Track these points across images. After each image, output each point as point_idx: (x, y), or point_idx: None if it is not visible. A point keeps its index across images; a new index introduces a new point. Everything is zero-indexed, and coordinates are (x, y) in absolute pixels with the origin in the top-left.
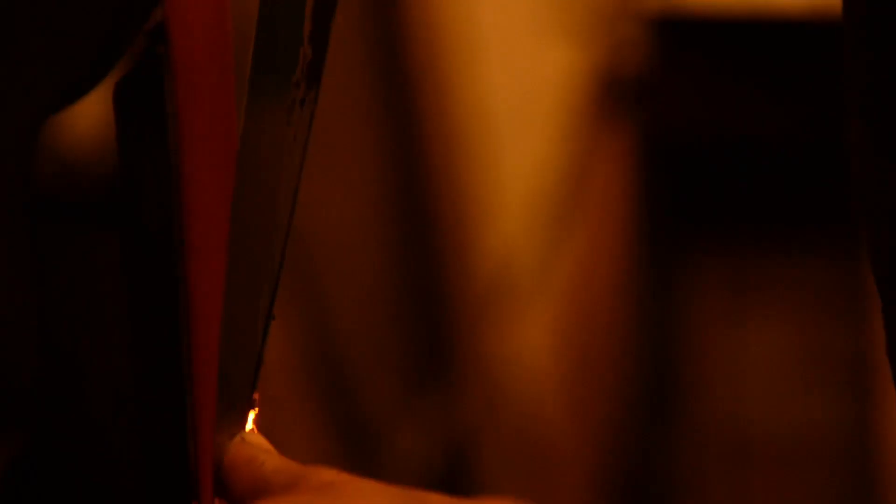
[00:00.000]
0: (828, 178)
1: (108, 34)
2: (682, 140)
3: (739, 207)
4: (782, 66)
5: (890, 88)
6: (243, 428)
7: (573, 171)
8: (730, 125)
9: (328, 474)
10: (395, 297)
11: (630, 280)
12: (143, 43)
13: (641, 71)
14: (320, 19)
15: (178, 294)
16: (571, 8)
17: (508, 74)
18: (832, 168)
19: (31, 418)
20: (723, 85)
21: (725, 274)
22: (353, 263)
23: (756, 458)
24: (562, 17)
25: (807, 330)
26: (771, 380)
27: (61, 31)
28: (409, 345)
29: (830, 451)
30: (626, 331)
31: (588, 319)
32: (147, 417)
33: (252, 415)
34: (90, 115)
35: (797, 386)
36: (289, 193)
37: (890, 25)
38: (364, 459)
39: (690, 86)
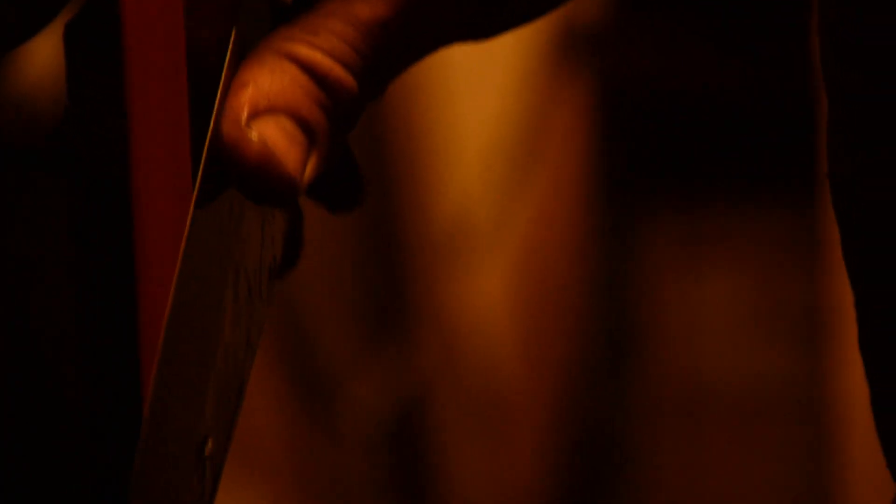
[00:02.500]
0: (785, 132)
1: None
2: (639, 92)
3: (696, 160)
4: (742, 19)
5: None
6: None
7: (530, 122)
8: (688, 77)
9: None
10: (351, 247)
11: (587, 233)
12: None
13: (600, 22)
14: (234, 369)
15: (128, 238)
16: None
17: None
18: (790, 122)
19: None
20: (682, 37)
21: (682, 227)
22: (308, 213)
23: (711, 410)
24: None
25: (763, 283)
26: (727, 333)
27: None
28: (364, 295)
29: (786, 405)
30: (582, 283)
31: (544, 271)
32: (96, 362)
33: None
34: (39, 57)
35: (753, 339)
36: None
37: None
38: (319, 409)
39: (649, 38)
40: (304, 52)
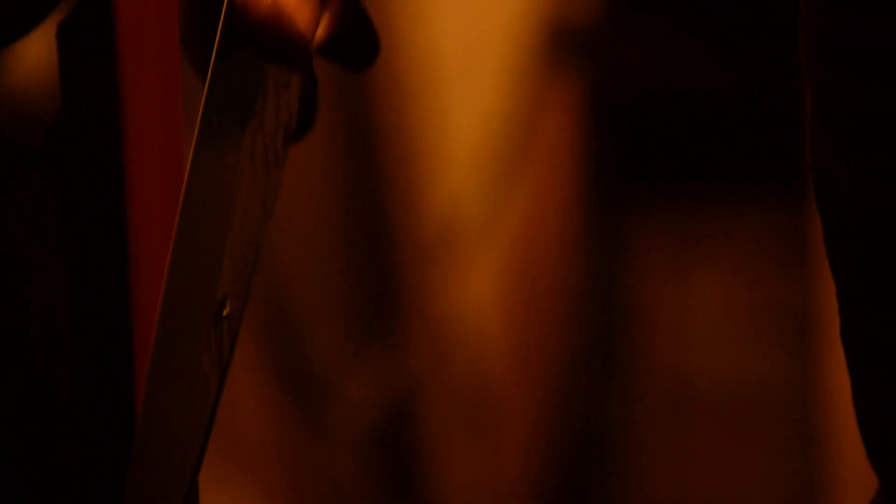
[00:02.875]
0: (776, 133)
1: None
2: (630, 92)
3: (686, 160)
4: (733, 20)
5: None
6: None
7: (521, 121)
8: (679, 77)
9: None
10: (342, 246)
11: (576, 231)
12: None
13: (591, 21)
14: (252, 233)
15: (121, 237)
16: None
17: (457, 23)
18: (781, 123)
19: None
20: (672, 37)
21: (671, 226)
22: (299, 212)
23: (701, 409)
24: None
25: (752, 283)
26: (716, 333)
27: None
28: (354, 293)
29: (775, 404)
30: (572, 282)
31: (534, 270)
32: (87, 360)
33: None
34: (32, 56)
35: (743, 339)
36: (204, 414)
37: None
38: (309, 408)
39: (640, 37)
40: None
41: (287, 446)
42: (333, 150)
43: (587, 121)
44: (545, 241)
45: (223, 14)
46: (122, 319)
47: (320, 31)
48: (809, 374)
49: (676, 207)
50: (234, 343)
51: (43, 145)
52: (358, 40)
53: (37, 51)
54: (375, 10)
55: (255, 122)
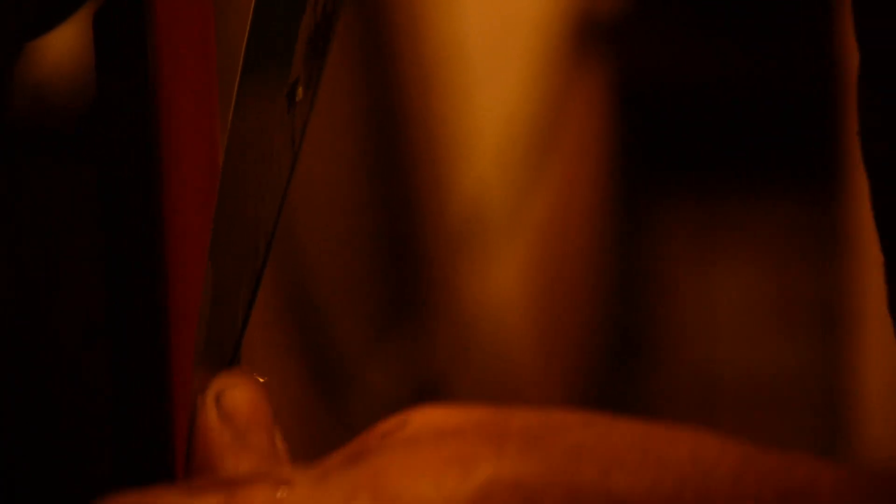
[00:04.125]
0: (801, 123)
1: None
2: (655, 82)
3: (712, 152)
4: (756, 11)
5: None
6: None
7: (547, 112)
8: (704, 69)
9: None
10: (368, 237)
11: (602, 222)
12: None
13: (617, 12)
14: (323, 19)
15: (155, 227)
16: None
17: (484, 14)
18: (806, 113)
19: (2, 347)
20: (697, 29)
21: (697, 216)
22: (325, 202)
23: (726, 399)
24: None
25: (778, 272)
26: (741, 322)
27: None
28: (380, 284)
29: (800, 394)
30: (597, 274)
31: (559, 261)
32: (124, 348)
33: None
34: (67, 44)
35: (768, 328)
36: (278, 191)
37: None
38: (335, 399)
39: (664, 29)
40: None
41: (311, 436)
42: (360, 141)
43: (612, 111)
44: (570, 232)
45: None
46: (157, 307)
47: None
48: (834, 363)
49: (701, 198)
50: (305, 130)
51: (78, 134)
52: None
53: (72, 39)
54: (404, 4)
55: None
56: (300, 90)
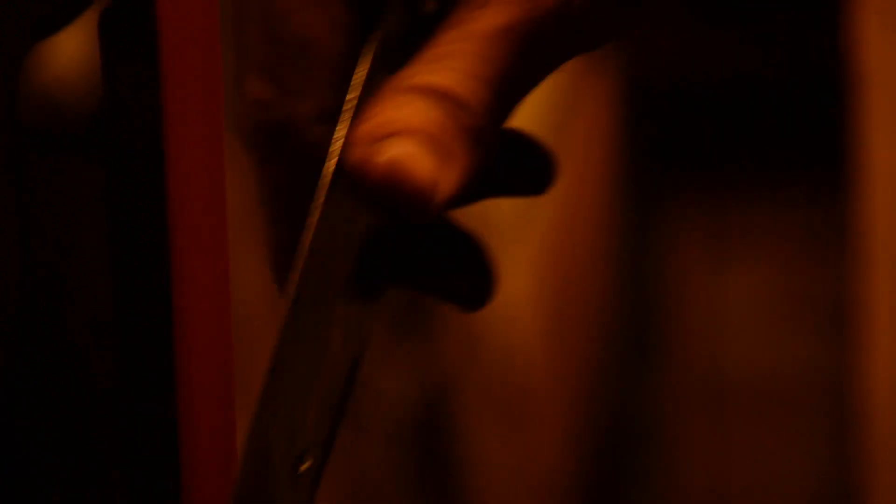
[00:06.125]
0: (812, 123)
1: None
2: (665, 82)
3: (722, 151)
4: (768, 9)
5: None
6: None
7: (555, 114)
8: (713, 68)
9: None
10: None
11: (611, 224)
12: None
13: None
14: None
15: (162, 227)
16: None
17: None
18: (816, 113)
19: (10, 348)
20: (706, 27)
21: (707, 217)
22: None
23: (736, 401)
24: None
25: (788, 273)
26: (751, 324)
27: None
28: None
29: (810, 396)
30: (606, 274)
31: (569, 263)
32: (131, 350)
33: None
34: (75, 44)
35: (778, 330)
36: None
37: None
38: None
39: (674, 27)
40: (426, 79)
41: None
42: None
43: (622, 112)
44: (580, 234)
45: (332, 173)
46: (165, 307)
47: (445, 185)
48: (845, 364)
49: (711, 198)
50: (313, 499)
51: (85, 134)
52: (521, 173)
53: (79, 40)
54: None
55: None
56: (307, 459)
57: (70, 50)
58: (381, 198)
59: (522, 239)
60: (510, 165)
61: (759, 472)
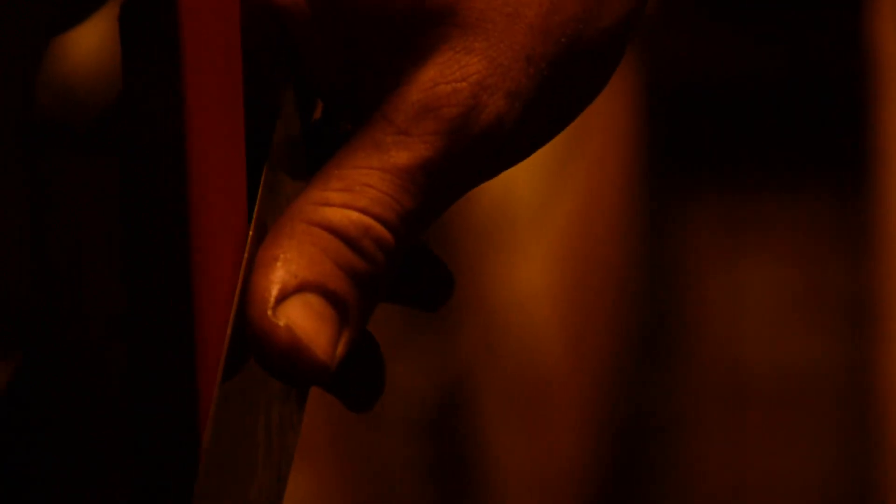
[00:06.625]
0: (829, 118)
1: None
2: (681, 78)
3: (738, 147)
4: (784, 5)
5: None
6: None
7: None
8: (730, 63)
9: None
10: None
11: (628, 219)
12: None
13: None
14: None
15: (179, 222)
16: None
17: None
18: (833, 108)
19: (27, 342)
20: (723, 23)
21: (723, 212)
22: None
23: (753, 397)
24: None
25: (804, 269)
26: (768, 319)
27: None
28: None
29: (827, 390)
30: (623, 269)
31: (586, 256)
32: (149, 344)
33: None
34: (94, 37)
35: (795, 325)
36: None
37: None
38: None
39: (690, 23)
40: (338, 216)
41: (339, 431)
42: None
43: (638, 107)
44: (597, 227)
45: (231, 324)
46: (181, 303)
47: (339, 350)
48: (862, 358)
49: (728, 193)
50: None
51: (104, 129)
52: (415, 286)
53: (98, 34)
54: None
55: (270, 387)
56: None
57: (90, 43)
58: (278, 368)
59: (540, 234)
60: (409, 279)
61: (775, 467)
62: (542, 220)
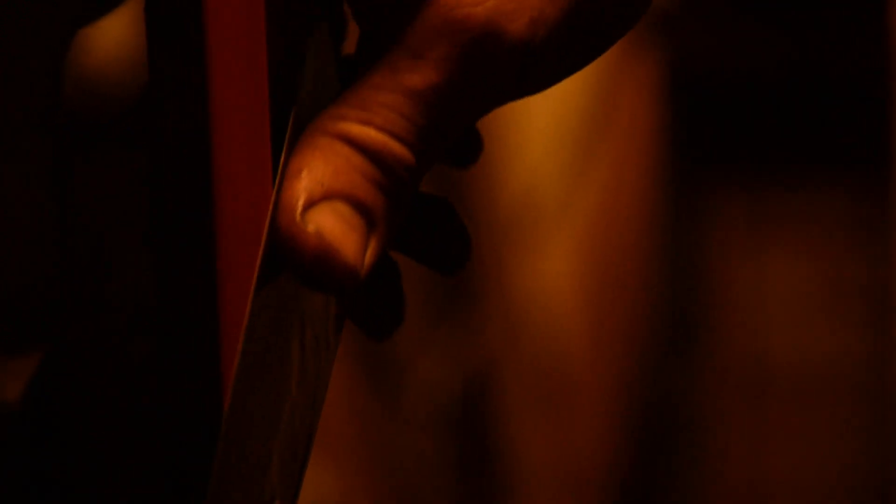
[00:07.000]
0: (851, 112)
1: None
2: (705, 71)
3: (762, 140)
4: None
5: None
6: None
7: (597, 102)
8: (755, 55)
9: None
10: None
11: (652, 211)
12: None
13: (667, 0)
14: (300, 434)
15: (206, 214)
16: None
17: None
18: (856, 101)
19: (54, 334)
20: (749, 15)
21: (748, 206)
22: None
23: (775, 389)
24: None
25: (827, 262)
26: (791, 312)
27: None
28: (430, 274)
29: (851, 384)
30: (647, 262)
31: (610, 250)
32: (175, 336)
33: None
34: (120, 29)
35: (817, 318)
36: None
37: None
38: (386, 388)
39: (715, 16)
40: (357, 130)
41: (362, 425)
42: None
43: (663, 100)
44: (621, 220)
45: (263, 243)
46: (208, 295)
47: (368, 257)
48: (886, 352)
49: (751, 187)
50: None
51: (130, 121)
52: (433, 242)
53: (124, 26)
54: None
55: (303, 309)
56: None
57: (115, 35)
58: (308, 274)
59: (565, 226)
60: (428, 234)
61: (797, 459)
62: (566, 213)
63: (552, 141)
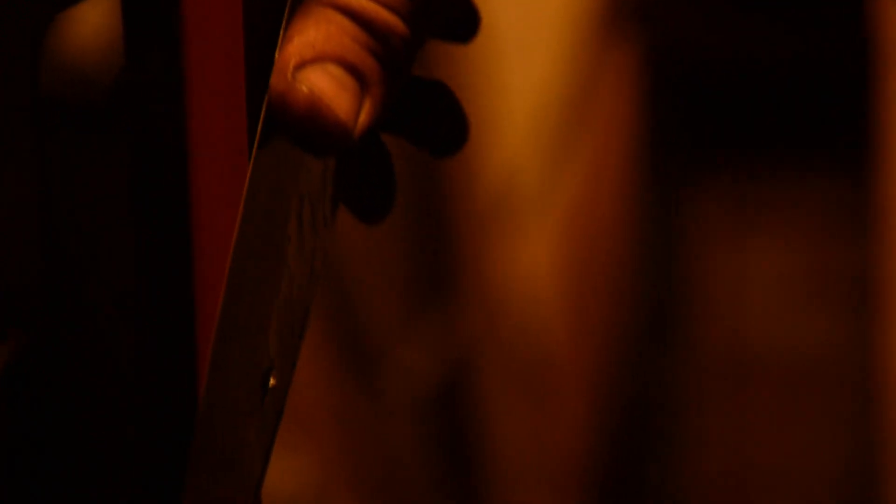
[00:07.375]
0: (835, 99)
1: None
2: (687, 59)
3: (744, 127)
4: None
5: None
6: None
7: (578, 89)
8: (737, 43)
9: None
10: (397, 212)
11: (633, 199)
12: None
13: None
14: (297, 304)
15: (184, 199)
16: None
17: None
18: (840, 88)
19: (33, 320)
20: (730, 3)
21: (728, 193)
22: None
23: (758, 378)
24: None
25: (810, 251)
26: (774, 301)
27: None
28: (410, 260)
29: (832, 373)
30: (627, 250)
31: (590, 238)
32: (152, 324)
33: None
34: (97, 14)
35: (800, 307)
36: (250, 481)
37: None
38: (365, 374)
39: (698, 3)
40: None
41: (343, 411)
42: None
43: (644, 88)
44: (602, 208)
45: (264, 106)
46: (186, 280)
47: (362, 118)
48: (868, 341)
49: (733, 175)
50: (280, 415)
51: (107, 106)
52: (430, 123)
53: (102, 11)
54: None
55: (301, 185)
56: (273, 378)
57: (92, 20)
58: (301, 132)
59: (544, 213)
60: (424, 115)
61: (779, 450)
62: (545, 201)
63: (532, 129)
